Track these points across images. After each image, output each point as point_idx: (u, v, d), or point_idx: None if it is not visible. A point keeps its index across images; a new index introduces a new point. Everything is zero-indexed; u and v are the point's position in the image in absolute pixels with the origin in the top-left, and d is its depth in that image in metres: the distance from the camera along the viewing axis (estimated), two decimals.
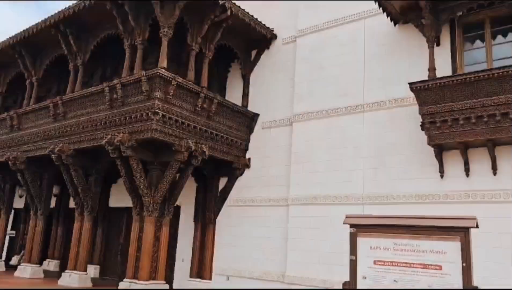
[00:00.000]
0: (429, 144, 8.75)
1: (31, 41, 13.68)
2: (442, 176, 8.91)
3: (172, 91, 10.00)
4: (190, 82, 10.50)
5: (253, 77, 13.15)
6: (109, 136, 10.45)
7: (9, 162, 13.77)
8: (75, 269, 12.17)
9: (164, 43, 10.36)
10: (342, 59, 11.11)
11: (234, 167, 12.27)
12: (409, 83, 8.79)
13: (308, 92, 11.53)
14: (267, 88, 12.65)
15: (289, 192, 11.17)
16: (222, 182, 12.76)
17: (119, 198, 14.93)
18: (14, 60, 14.71)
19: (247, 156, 12.49)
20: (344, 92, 10.83)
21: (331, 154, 10.62)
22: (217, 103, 11.31)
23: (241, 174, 12.44)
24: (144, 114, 9.90)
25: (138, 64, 10.76)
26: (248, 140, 12.57)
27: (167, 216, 11.14)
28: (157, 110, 9.73)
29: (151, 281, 10.53)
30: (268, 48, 13.00)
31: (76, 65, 12.78)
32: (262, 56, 13.08)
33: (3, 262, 15.45)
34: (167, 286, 11.02)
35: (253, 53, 13.28)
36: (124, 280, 10.75)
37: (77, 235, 12.51)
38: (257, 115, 12.57)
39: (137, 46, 10.98)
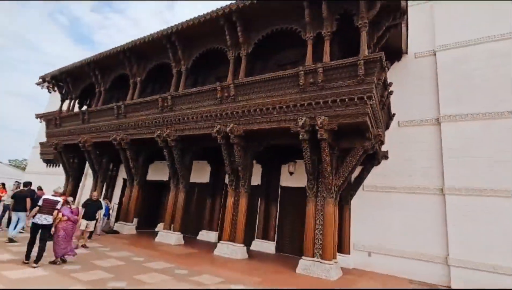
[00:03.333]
0: None
1: (188, 33, 9.42)
2: None
3: (382, 78, 6.37)
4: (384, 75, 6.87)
5: None
6: (304, 119, 6.65)
7: (158, 139, 9.41)
8: (232, 241, 8.07)
9: (363, 33, 6.69)
10: (493, 71, 7.94)
11: (375, 157, 8.70)
12: None
13: (455, 97, 8.26)
14: (399, 93, 9.14)
15: (444, 183, 7.78)
16: (357, 169, 9.08)
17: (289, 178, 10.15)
18: (164, 50, 10.29)
19: (382, 149, 8.94)
20: (501, 98, 7.64)
21: (494, 152, 7.37)
22: (389, 98, 7.77)
23: (378, 164, 8.88)
24: (356, 98, 6.17)
25: (326, 53, 7.01)
26: (384, 135, 9.05)
27: (337, 198, 7.39)
28: (372, 95, 6.06)
29: (333, 260, 6.77)
30: (399, 60, 9.59)
31: (238, 56, 8.72)
32: (392, 67, 9.62)
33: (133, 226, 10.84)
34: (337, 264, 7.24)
35: None
36: (303, 258, 6.88)
37: (230, 209, 8.42)
38: (393, 114, 9.09)
39: (325, 37, 7.20)
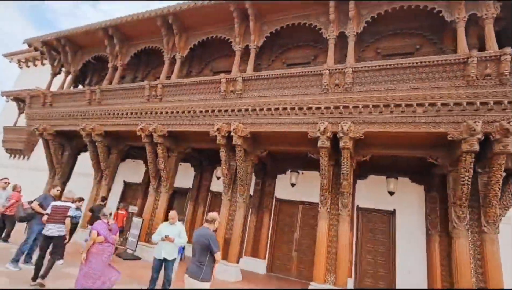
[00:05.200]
0: None
1: (270, 4, 7.21)
2: None
3: None
4: None
5: None
6: (480, 122, 4.81)
7: (218, 134, 6.92)
8: (332, 284, 5.79)
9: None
10: None
11: None
12: None
13: None
14: None
15: None
16: None
17: None
18: (227, 22, 7.87)
19: None
20: None
21: None
22: None
23: None
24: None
25: (490, 39, 5.30)
26: None
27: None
28: None
29: None
30: None
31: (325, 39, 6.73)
32: None
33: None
34: None
35: None
36: None
37: (324, 237, 6.16)
38: None
39: (485, 20, 5.50)
